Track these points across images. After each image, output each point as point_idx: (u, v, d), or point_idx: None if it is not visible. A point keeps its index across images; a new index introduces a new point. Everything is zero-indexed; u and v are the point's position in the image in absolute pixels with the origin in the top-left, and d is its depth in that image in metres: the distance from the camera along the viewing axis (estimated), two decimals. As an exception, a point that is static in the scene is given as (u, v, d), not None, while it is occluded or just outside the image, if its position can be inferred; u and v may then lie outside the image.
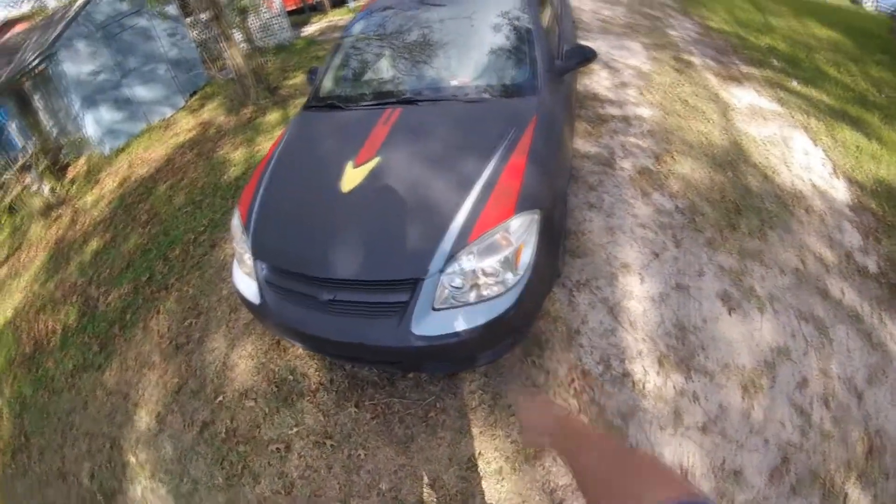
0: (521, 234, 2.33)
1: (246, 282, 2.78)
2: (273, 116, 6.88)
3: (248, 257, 2.74)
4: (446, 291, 2.27)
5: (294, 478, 2.76)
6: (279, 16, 10.02)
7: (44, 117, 7.75)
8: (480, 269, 2.27)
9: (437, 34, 3.55)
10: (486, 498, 2.44)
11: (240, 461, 2.97)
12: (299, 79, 8.03)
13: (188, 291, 4.32)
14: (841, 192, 4.56)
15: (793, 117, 5.75)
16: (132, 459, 3.33)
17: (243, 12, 7.56)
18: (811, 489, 2.46)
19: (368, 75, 3.65)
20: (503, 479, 2.50)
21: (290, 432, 2.96)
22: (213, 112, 7.66)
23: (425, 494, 2.50)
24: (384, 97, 3.26)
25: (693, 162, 4.46)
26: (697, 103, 5.62)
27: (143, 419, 3.52)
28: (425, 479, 2.55)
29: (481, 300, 2.28)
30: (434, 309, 2.27)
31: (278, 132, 6.33)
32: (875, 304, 3.38)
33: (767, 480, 2.45)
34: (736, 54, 7.80)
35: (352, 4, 13.67)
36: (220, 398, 3.39)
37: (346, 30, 4.02)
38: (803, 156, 5.01)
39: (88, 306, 4.70)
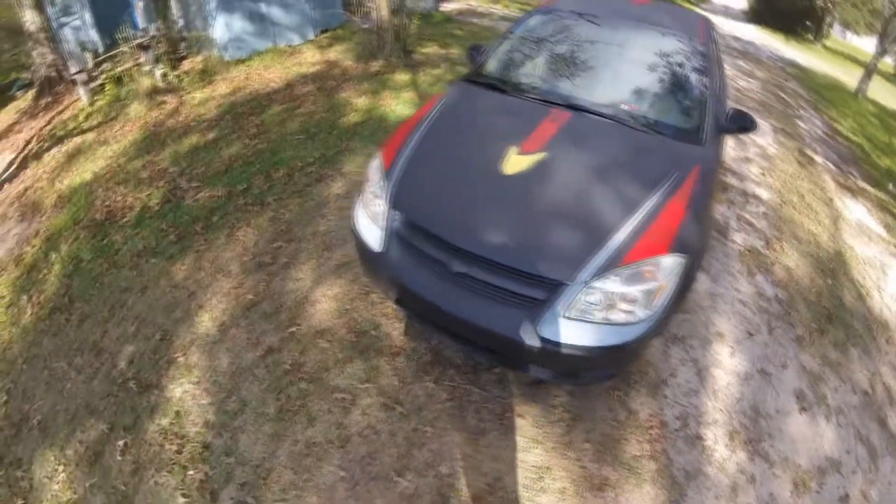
0: (667, 273, 2.32)
1: (369, 226, 2.68)
2: (402, 77, 6.66)
3: (380, 203, 2.64)
4: (580, 303, 2.23)
5: (352, 433, 2.58)
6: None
7: (174, 6, 7.65)
8: (621, 293, 2.24)
9: (612, 52, 3.54)
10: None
11: (299, 398, 2.74)
12: (432, 49, 7.86)
13: (284, 215, 4.03)
14: (919, 333, 4.47)
15: (895, 247, 5.62)
16: (181, 359, 3.04)
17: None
18: None
19: (537, 70, 3.59)
20: (564, 500, 2.39)
21: (359, 386, 2.78)
22: (340, 54, 7.47)
23: (483, 490, 2.39)
24: (552, 97, 3.22)
25: (799, 258, 4.43)
26: (812, 202, 5.57)
27: (205, 324, 3.22)
28: (487, 476, 2.45)
29: (607, 323, 2.24)
30: (564, 316, 2.23)
31: (406, 93, 6.12)
32: (923, 449, 3.30)
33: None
34: (856, 166, 7.70)
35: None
36: (294, 329, 3.11)
37: (521, 20, 3.94)
38: (896, 287, 5.03)
39: (175, 196, 4.45)
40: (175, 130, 5.64)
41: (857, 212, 5.90)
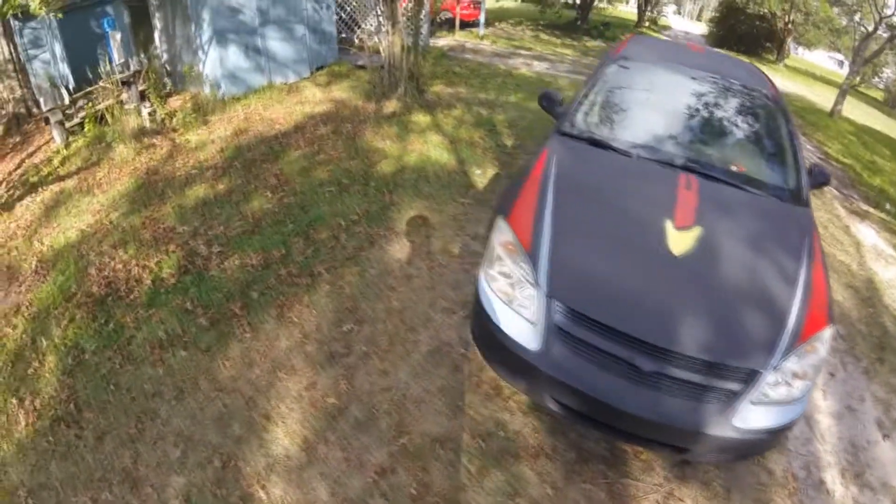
0: (827, 345, 2.32)
1: (511, 317, 2.31)
2: (422, 118, 6.16)
3: (529, 291, 2.29)
4: (764, 388, 2.17)
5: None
6: (424, 20, 9.58)
7: (158, 39, 6.90)
8: (796, 371, 2.20)
9: (705, 107, 3.50)
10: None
11: (446, 529, 2.20)
12: (439, 88, 7.53)
13: (344, 289, 3.39)
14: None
15: (909, 267, 6.02)
16: (261, 494, 2.36)
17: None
18: None
19: (640, 127, 3.40)
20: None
21: (509, 503, 2.37)
22: (345, 92, 6.89)
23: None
24: (672, 158, 3.07)
25: (843, 290, 4.51)
26: (835, 232, 5.73)
27: (279, 441, 2.56)
28: None
29: (784, 402, 2.22)
30: (751, 402, 2.16)
31: (433, 136, 5.65)
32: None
33: None
34: (854, 188, 7.97)
35: (481, 31, 13.54)
36: (404, 441, 2.53)
37: (598, 69, 3.76)
38: (918, 305, 5.23)
39: (194, 264, 3.72)
40: (174, 179, 4.89)
41: (869, 237, 6.05)
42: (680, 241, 2.48)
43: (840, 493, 2.90)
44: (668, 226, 2.53)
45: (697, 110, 3.48)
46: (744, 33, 24.78)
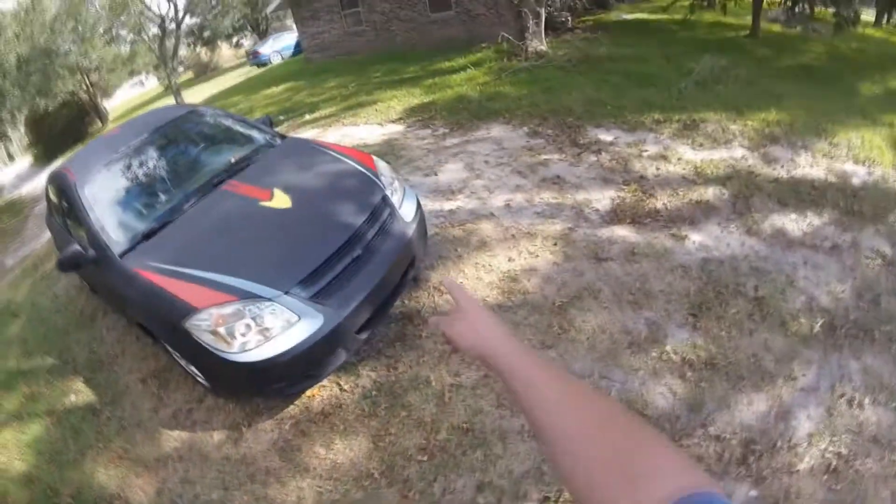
0: (382, 161, 3.89)
1: (286, 338, 2.68)
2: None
3: (267, 313, 2.67)
4: (392, 198, 3.46)
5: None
6: None
7: None
8: (388, 179, 3.58)
9: (181, 146, 4.26)
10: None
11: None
12: None
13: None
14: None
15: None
16: None
17: None
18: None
19: (167, 194, 3.76)
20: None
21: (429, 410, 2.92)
22: None
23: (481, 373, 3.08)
24: (206, 186, 3.67)
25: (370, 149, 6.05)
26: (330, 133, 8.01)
27: None
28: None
29: (400, 198, 3.55)
30: (399, 207, 3.44)
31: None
32: (544, 142, 6.17)
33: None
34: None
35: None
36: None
37: (80, 191, 3.61)
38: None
39: None
40: None
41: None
42: (279, 202, 3.30)
43: (470, 205, 4.75)
44: (263, 204, 3.31)
45: (181, 151, 4.21)
46: (59, 131, 23.56)
